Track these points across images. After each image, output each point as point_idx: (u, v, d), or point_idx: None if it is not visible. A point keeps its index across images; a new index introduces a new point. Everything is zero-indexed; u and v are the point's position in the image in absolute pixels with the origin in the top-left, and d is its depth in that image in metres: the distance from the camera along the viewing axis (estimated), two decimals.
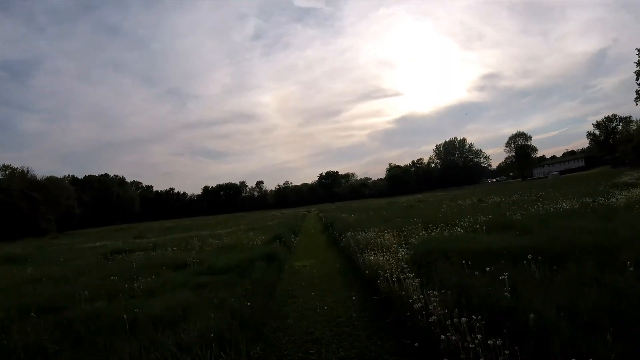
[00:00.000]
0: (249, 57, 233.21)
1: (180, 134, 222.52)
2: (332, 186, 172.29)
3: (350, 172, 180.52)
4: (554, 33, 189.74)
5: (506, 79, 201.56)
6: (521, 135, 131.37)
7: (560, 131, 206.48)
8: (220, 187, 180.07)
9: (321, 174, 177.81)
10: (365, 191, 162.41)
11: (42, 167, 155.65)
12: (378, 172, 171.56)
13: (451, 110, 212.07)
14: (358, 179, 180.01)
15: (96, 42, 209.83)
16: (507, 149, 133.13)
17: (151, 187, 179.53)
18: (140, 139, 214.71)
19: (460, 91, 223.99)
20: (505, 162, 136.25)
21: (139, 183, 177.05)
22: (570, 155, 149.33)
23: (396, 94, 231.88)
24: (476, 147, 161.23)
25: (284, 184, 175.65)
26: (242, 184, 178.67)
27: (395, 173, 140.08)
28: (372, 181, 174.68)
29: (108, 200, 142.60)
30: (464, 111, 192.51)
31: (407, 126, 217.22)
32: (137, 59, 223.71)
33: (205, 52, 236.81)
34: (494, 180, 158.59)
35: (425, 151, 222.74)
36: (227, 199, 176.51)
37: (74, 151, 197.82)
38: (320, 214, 50.74)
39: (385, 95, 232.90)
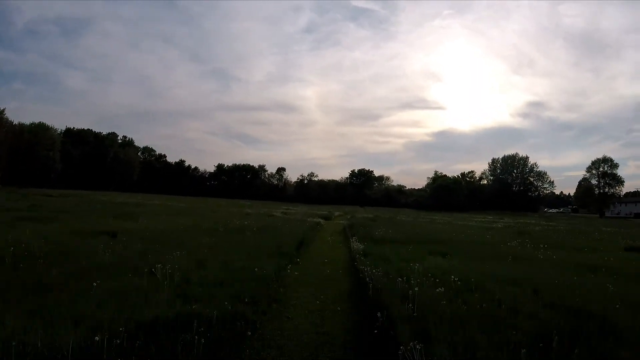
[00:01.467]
0: (297, 49, 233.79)
1: (219, 114, 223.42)
2: (363, 187, 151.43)
3: (386, 175, 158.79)
4: (606, 71, 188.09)
5: (551, 109, 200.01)
6: (607, 160, 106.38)
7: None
8: (235, 168, 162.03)
9: (352, 171, 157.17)
10: (401, 199, 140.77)
11: (79, 126, 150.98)
12: (408, 184, 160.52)
13: (491, 132, 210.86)
14: (393, 184, 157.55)
15: (150, 11, 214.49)
16: (588, 174, 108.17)
17: (164, 156, 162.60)
18: (179, 113, 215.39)
19: (503, 115, 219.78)
20: (580, 191, 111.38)
21: (152, 150, 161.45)
22: None
23: (439, 107, 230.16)
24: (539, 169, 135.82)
25: (308, 175, 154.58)
26: (261, 167, 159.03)
27: (443, 183, 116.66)
28: (410, 189, 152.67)
29: (102, 161, 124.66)
30: (504, 135, 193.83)
31: (444, 141, 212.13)
32: (187, 35, 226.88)
33: (256, 38, 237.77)
34: (556, 210, 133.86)
35: (457, 169, 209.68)
36: (242, 182, 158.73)
37: (113, 114, 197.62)
38: (347, 228, 32.56)
39: (428, 107, 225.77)
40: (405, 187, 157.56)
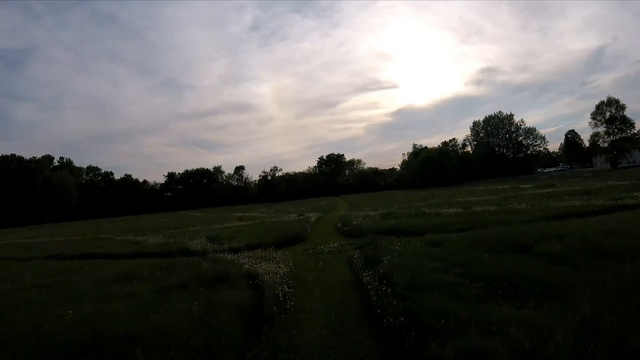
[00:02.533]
0: (246, 49, 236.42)
1: (175, 124, 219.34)
2: (334, 175, 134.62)
3: (357, 158, 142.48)
4: (552, 30, 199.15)
5: (504, 73, 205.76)
6: (612, 102, 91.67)
7: (558, 127, 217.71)
8: (188, 175, 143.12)
9: (321, 158, 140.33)
10: (380, 181, 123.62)
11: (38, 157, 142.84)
12: (377, 166, 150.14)
13: (448, 103, 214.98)
14: (366, 167, 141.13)
15: (92, 31, 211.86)
16: (594, 122, 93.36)
17: (110, 174, 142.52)
18: (135, 130, 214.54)
19: (457, 85, 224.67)
20: (594, 139, 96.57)
21: (97, 169, 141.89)
22: None
23: (393, 87, 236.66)
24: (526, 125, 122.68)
25: (271, 170, 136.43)
26: (217, 169, 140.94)
27: (429, 155, 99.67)
28: (389, 169, 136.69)
29: (29, 189, 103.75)
30: (461, 104, 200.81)
31: (404, 119, 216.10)
32: (133, 49, 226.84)
33: (202, 43, 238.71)
34: (554, 169, 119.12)
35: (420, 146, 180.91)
36: (198, 188, 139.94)
37: (70, 141, 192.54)
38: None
39: (383, 88, 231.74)
40: (378, 168, 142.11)
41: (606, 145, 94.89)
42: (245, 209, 68.46)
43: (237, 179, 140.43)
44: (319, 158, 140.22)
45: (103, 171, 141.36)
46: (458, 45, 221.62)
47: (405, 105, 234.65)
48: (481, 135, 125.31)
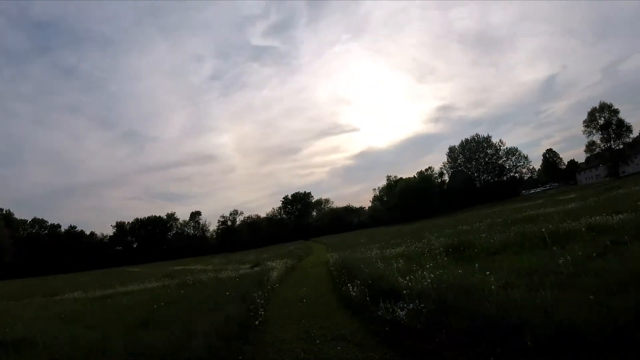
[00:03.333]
0: (207, 99, 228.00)
1: (137, 177, 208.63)
2: (302, 215, 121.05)
3: (324, 197, 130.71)
4: (504, 63, 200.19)
5: (460, 109, 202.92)
6: (605, 108, 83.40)
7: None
8: (139, 224, 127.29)
9: (285, 198, 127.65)
10: (353, 219, 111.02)
11: None
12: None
13: (408, 142, 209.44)
14: (334, 206, 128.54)
15: (51, 84, 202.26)
16: (588, 130, 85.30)
17: (57, 226, 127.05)
18: (97, 184, 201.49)
19: (416, 124, 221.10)
20: (590, 149, 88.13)
21: (43, 221, 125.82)
22: None
23: (353, 130, 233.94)
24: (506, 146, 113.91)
25: (231, 214, 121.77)
26: (171, 217, 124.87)
27: (410, 185, 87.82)
28: (359, 207, 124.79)
29: None
30: (421, 143, 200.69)
31: (366, 162, 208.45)
32: (93, 102, 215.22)
33: (163, 94, 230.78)
34: (541, 188, 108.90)
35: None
36: (151, 240, 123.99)
37: (30, 196, 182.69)
38: None
39: (343, 131, 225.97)
40: (350, 205, 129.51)
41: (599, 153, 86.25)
42: (194, 262, 58.28)
43: (194, 227, 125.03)
44: (283, 198, 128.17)
45: (49, 223, 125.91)
46: (414, 85, 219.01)
47: (367, 148, 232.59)
48: (459, 161, 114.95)
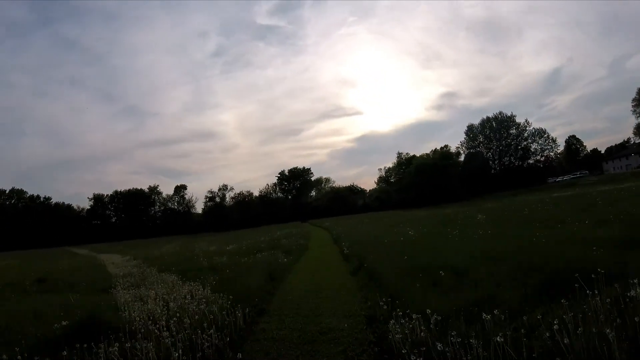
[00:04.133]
0: (209, 75, 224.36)
1: (138, 152, 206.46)
2: (300, 194, 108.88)
3: (325, 176, 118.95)
4: (510, 53, 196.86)
5: (464, 97, 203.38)
6: None
7: None
8: (119, 196, 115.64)
9: (282, 174, 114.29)
10: (357, 200, 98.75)
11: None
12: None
13: (410, 128, 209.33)
14: (336, 185, 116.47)
15: (53, 56, 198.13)
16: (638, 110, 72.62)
17: (37, 198, 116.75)
18: (97, 157, 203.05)
19: (419, 110, 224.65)
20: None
21: (22, 192, 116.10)
22: None
23: (356, 113, 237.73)
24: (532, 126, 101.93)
25: (219, 190, 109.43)
26: (153, 190, 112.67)
27: (426, 163, 75.31)
28: (370, 190, 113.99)
29: None
30: (423, 129, 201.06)
31: (367, 145, 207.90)
32: (95, 75, 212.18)
33: (165, 69, 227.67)
34: (568, 177, 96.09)
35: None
36: (133, 214, 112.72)
37: (29, 168, 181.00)
38: None
39: (346, 114, 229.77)
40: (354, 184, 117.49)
41: None
42: (175, 241, 49.52)
43: (178, 202, 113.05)
44: (279, 173, 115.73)
45: (29, 195, 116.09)
46: (419, 71, 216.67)
47: (369, 132, 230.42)
48: (478, 141, 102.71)
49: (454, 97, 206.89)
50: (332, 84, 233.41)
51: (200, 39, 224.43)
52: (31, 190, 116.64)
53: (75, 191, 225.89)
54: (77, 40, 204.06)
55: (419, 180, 74.15)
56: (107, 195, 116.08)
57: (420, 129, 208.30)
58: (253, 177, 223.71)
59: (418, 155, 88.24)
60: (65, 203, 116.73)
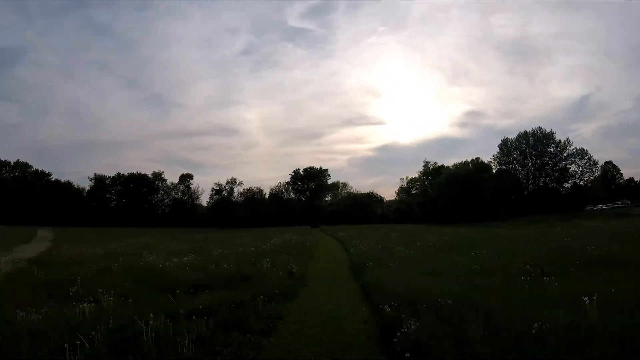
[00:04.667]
0: (237, 72, 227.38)
1: (158, 141, 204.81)
2: (314, 196, 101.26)
3: (344, 177, 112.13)
4: (539, 76, 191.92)
5: (489, 117, 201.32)
6: None
7: None
8: (122, 179, 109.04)
9: (296, 172, 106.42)
10: (377, 209, 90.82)
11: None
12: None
13: (432, 143, 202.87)
14: (353, 191, 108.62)
15: (84, 39, 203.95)
16: None
17: (42, 174, 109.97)
18: (117, 142, 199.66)
19: (442, 125, 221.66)
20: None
21: (28, 165, 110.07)
22: None
23: (379, 123, 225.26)
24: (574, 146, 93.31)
25: (227, 182, 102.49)
26: (157, 176, 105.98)
27: (459, 174, 67.28)
28: (388, 201, 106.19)
29: None
30: (444, 145, 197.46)
31: (387, 155, 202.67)
32: (123, 62, 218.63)
33: (193, 62, 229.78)
34: (608, 206, 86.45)
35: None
36: (135, 199, 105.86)
37: (49, 147, 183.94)
38: None
39: (369, 123, 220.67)
40: (373, 192, 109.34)
41: None
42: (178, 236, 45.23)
43: (183, 192, 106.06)
44: (292, 172, 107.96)
45: (34, 169, 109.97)
46: (446, 86, 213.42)
47: (390, 142, 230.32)
48: (512, 157, 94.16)
49: (479, 116, 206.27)
50: (358, 91, 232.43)
51: (230, 36, 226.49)
52: (48, 169, 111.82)
53: (94, 173, 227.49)
54: (109, 25, 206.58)
55: (449, 192, 66.02)
56: (109, 177, 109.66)
57: (442, 144, 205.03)
58: (272, 176, 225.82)
59: (447, 166, 79.96)
60: (66, 181, 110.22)
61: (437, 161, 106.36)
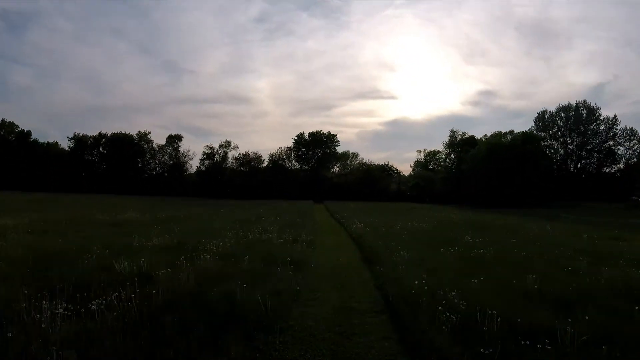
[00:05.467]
0: (250, 40, 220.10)
1: (170, 107, 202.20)
2: (319, 166, 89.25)
3: (353, 150, 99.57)
4: (556, 60, 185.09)
5: (502, 98, 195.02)
6: None
7: None
8: (104, 140, 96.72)
9: (299, 137, 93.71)
10: (391, 184, 79.11)
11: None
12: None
13: (443, 120, 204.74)
14: (365, 161, 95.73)
15: (98, 5, 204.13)
16: None
17: (28, 133, 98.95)
18: (129, 107, 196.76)
19: (454, 103, 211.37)
20: None
21: (13, 125, 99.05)
22: None
23: (391, 97, 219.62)
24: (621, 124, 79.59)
25: (220, 146, 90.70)
26: (143, 136, 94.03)
27: (503, 146, 54.88)
28: (407, 176, 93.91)
29: None
30: (455, 122, 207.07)
31: (397, 130, 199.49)
32: (136, 27, 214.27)
33: (207, 29, 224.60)
34: None
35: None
36: (119, 162, 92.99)
37: (62, 111, 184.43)
38: None
39: (381, 97, 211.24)
40: (388, 164, 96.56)
41: None
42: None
43: (171, 154, 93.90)
44: (296, 136, 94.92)
45: (20, 129, 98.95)
46: (461, 64, 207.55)
47: (401, 117, 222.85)
48: (551, 132, 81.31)
49: (492, 95, 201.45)
50: (371, 65, 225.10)
51: (246, 2, 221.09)
52: (60, 134, 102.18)
53: (73, 132, 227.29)
54: None
55: (488, 167, 53.46)
56: (92, 136, 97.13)
57: (453, 121, 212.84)
58: (280, 146, 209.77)
59: (479, 138, 67.24)
60: (45, 142, 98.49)
61: (447, 138, 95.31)
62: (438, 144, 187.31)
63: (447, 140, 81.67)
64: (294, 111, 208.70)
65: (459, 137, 79.59)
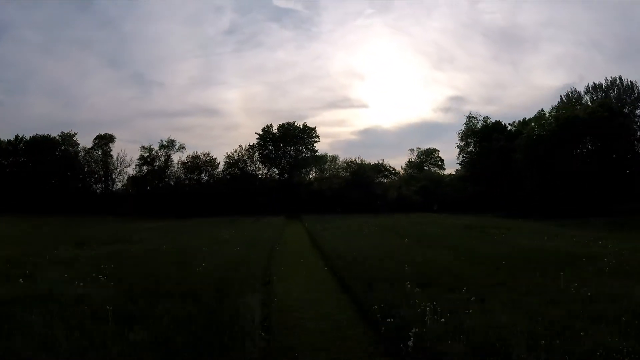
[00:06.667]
0: (220, 52, 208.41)
1: (139, 121, 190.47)
2: (293, 169, 70.28)
3: (331, 153, 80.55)
4: (523, 64, 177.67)
5: (471, 103, 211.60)
6: None
7: None
8: (21, 144, 75.07)
9: (266, 130, 73.40)
10: (389, 190, 61.37)
11: None
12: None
13: (414, 127, 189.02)
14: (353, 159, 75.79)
15: (66, 15, 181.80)
16: None
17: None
18: (98, 122, 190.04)
19: (425, 110, 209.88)
20: None
21: None
22: None
23: (362, 106, 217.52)
24: None
25: (161, 147, 71.18)
26: (67, 139, 73.64)
27: (578, 116, 36.61)
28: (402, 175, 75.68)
29: None
30: (426, 129, 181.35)
31: (369, 139, 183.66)
32: (104, 39, 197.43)
33: (177, 41, 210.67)
34: None
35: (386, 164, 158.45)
36: (29, 165, 73.00)
37: (29, 127, 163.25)
38: None
39: (352, 106, 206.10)
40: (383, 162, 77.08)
41: None
42: None
43: (99, 158, 73.11)
44: (262, 130, 74.08)
45: None
46: (430, 71, 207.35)
47: (373, 125, 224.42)
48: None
49: (462, 101, 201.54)
50: (342, 74, 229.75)
51: (215, 14, 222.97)
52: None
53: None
54: (91, 1, 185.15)
55: (563, 154, 34.95)
56: (6, 140, 75.52)
57: (425, 129, 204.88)
58: (241, 144, 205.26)
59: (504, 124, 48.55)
60: None
61: (420, 145, 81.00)
62: (407, 151, 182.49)
63: (463, 128, 63.57)
64: (265, 122, 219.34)
65: (479, 123, 61.57)
